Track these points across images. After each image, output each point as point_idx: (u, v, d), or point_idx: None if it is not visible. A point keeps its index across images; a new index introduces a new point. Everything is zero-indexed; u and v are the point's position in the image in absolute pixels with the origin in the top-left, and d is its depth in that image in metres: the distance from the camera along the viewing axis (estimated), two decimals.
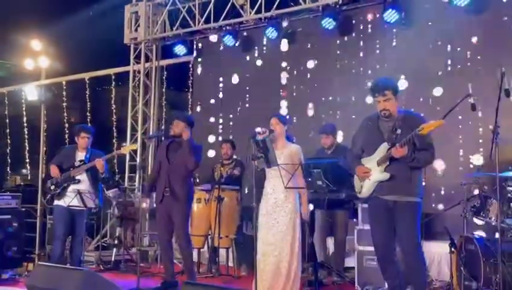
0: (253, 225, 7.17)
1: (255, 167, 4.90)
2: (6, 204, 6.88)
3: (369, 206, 4.57)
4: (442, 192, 6.85)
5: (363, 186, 4.45)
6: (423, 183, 4.56)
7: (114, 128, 11.84)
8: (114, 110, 11.98)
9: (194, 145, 5.74)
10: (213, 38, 8.93)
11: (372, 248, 5.70)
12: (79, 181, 6.22)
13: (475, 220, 5.49)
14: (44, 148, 10.23)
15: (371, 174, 4.37)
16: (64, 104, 12.66)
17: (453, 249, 5.24)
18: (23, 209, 7.27)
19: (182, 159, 5.65)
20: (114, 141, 11.74)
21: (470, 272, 4.99)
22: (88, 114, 12.30)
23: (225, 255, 7.06)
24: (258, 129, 5.12)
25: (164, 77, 10.23)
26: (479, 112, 5.99)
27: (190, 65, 10.17)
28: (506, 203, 4.93)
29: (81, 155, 6.36)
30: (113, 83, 11.66)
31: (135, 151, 9.25)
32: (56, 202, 6.28)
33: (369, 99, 6.69)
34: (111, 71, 11.55)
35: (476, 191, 5.52)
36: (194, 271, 5.83)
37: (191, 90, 10.42)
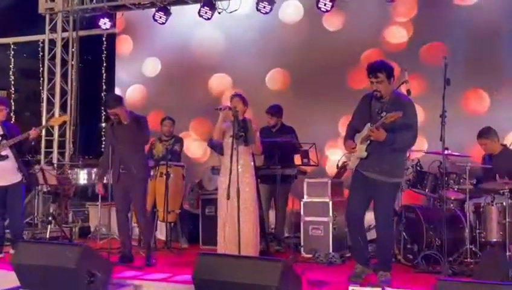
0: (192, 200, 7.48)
1: (234, 144, 5.15)
2: None
3: (352, 177, 4.91)
4: None
5: (351, 159, 4.81)
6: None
7: (12, 101, 11.21)
8: (12, 82, 11.36)
9: (138, 119, 5.81)
10: (140, 13, 8.85)
11: (316, 218, 6.39)
12: (7, 157, 6.01)
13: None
14: None
15: (356, 150, 4.71)
16: None
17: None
18: None
19: (129, 136, 5.68)
20: (12, 115, 11.12)
21: (411, 237, 5.69)
22: None
23: (164, 229, 7.20)
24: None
25: (73, 50, 9.83)
26: None
27: (103, 38, 9.99)
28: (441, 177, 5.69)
29: None
30: (12, 52, 11.03)
31: (52, 126, 8.96)
32: None
33: None
34: (10, 40, 10.90)
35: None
36: (151, 246, 5.99)
37: (104, 64, 10.25)
